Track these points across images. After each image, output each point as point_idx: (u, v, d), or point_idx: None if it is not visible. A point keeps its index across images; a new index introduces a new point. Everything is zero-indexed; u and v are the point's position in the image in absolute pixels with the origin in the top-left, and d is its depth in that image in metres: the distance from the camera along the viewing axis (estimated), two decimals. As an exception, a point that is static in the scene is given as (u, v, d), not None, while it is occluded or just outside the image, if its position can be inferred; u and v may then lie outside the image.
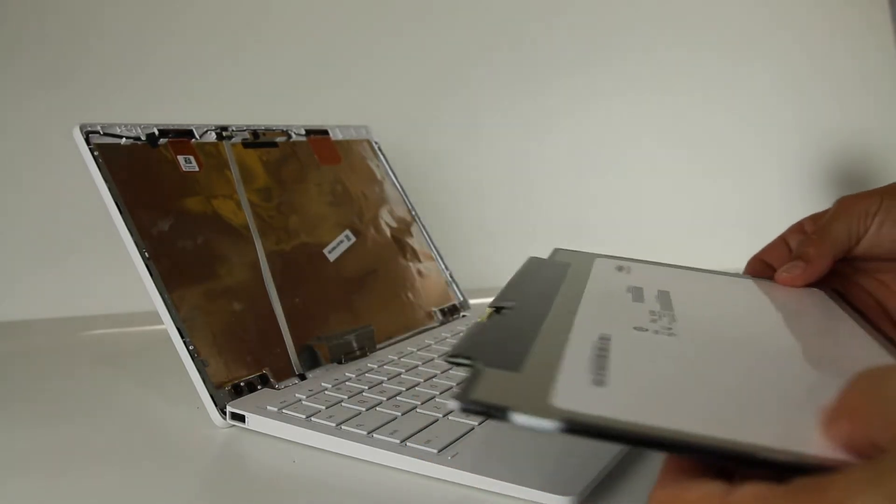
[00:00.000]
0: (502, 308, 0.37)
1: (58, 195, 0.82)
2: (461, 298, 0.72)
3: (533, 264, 0.47)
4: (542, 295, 0.41)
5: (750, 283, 0.49)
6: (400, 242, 0.69)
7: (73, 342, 0.72)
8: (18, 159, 0.83)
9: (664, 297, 0.43)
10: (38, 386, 0.59)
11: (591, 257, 0.51)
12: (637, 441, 0.25)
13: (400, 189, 0.72)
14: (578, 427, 0.26)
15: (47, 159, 0.82)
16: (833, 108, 0.98)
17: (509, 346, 0.32)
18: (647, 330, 0.36)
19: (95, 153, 0.49)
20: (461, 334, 0.30)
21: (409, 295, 0.67)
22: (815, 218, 0.50)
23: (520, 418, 0.26)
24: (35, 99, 0.83)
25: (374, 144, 0.72)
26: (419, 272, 0.70)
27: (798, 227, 0.51)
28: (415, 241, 0.71)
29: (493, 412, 0.27)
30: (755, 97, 0.98)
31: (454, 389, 0.50)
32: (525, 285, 0.43)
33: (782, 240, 0.51)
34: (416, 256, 0.70)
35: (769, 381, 0.32)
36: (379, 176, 0.71)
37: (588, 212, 0.95)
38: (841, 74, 0.98)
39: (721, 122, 0.98)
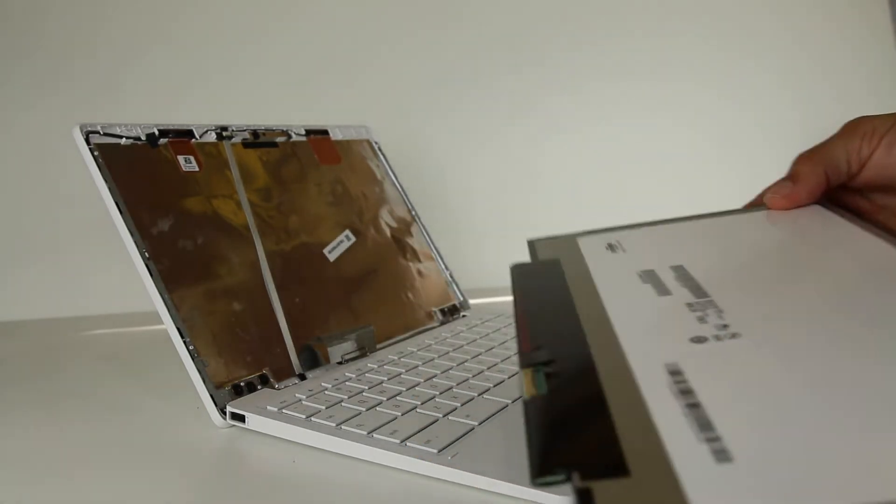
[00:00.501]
0: (542, 366, 0.31)
1: (58, 195, 0.82)
2: (461, 298, 0.72)
3: (524, 273, 0.42)
4: (566, 325, 0.34)
5: (747, 220, 0.44)
6: (400, 242, 0.69)
7: (73, 342, 0.72)
8: (18, 159, 0.83)
9: (685, 277, 0.37)
10: (37, 386, 0.59)
11: (572, 242, 0.45)
12: None
13: (400, 189, 0.72)
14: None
15: (47, 159, 0.82)
16: (834, 107, 0.98)
17: (593, 435, 0.26)
18: (706, 339, 0.30)
19: (95, 153, 0.49)
20: (529, 439, 0.27)
21: (409, 295, 0.67)
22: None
23: None
24: (35, 99, 0.83)
25: (374, 144, 0.72)
26: (419, 272, 0.70)
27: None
28: (415, 241, 0.71)
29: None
30: (755, 97, 0.98)
31: None
32: (540, 316, 0.36)
33: None
34: (416, 256, 0.70)
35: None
36: (379, 176, 0.71)
37: (588, 211, 0.95)
38: (842, 73, 0.98)
39: (722, 121, 0.98)
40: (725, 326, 0.31)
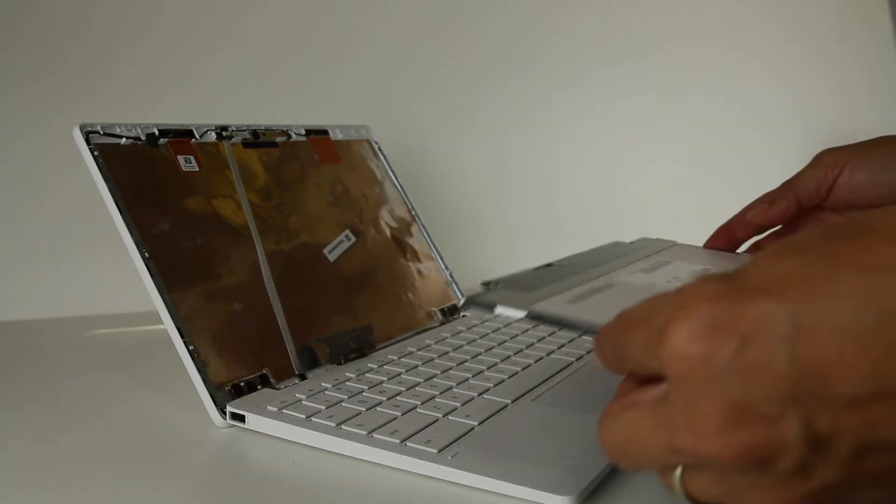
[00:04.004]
0: (551, 265, 0.48)
1: (57, 195, 0.82)
2: (461, 298, 0.72)
3: None
4: (588, 264, 0.49)
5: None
6: (400, 242, 0.69)
7: (73, 342, 0.72)
8: (18, 159, 0.83)
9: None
10: (37, 386, 0.59)
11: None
12: (564, 325, 0.37)
13: (400, 189, 0.72)
14: (539, 317, 0.37)
15: (47, 159, 0.82)
16: (834, 107, 0.98)
17: (531, 282, 0.43)
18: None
19: (95, 153, 0.49)
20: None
21: (409, 295, 0.67)
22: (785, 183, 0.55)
23: (499, 309, 0.37)
24: (35, 99, 0.83)
25: (374, 144, 0.72)
26: (419, 272, 0.70)
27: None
28: (415, 241, 0.71)
29: (485, 305, 0.38)
30: (756, 100, 0.98)
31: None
32: (579, 257, 0.52)
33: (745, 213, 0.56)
34: (416, 256, 0.70)
35: None
36: (379, 176, 0.71)
37: (588, 211, 0.95)
38: (842, 74, 0.98)
39: (722, 121, 0.98)
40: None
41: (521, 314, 0.38)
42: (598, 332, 0.28)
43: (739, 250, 0.57)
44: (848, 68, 0.99)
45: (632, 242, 0.60)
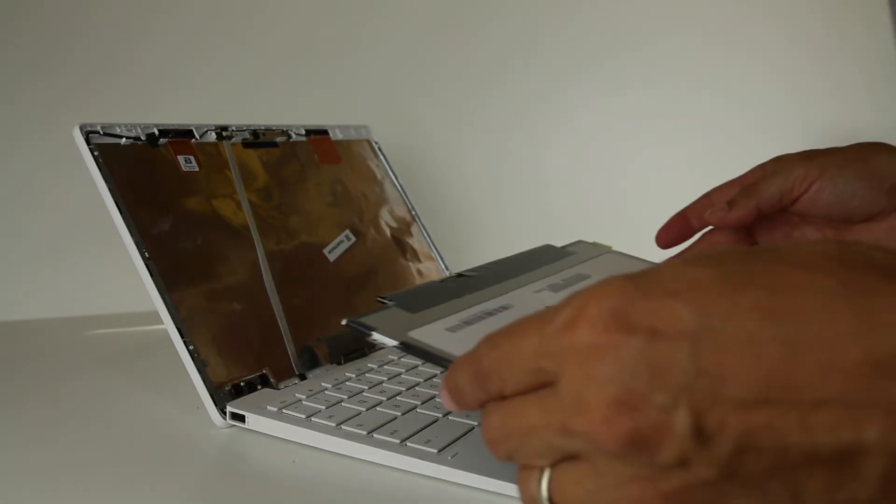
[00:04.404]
0: (462, 275, 0.47)
1: (57, 195, 0.82)
2: (461, 298, 0.72)
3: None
4: (501, 275, 0.48)
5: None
6: (400, 242, 0.69)
7: (73, 342, 0.72)
8: (18, 159, 0.83)
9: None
10: (37, 386, 0.59)
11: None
12: (432, 360, 0.36)
13: (400, 189, 0.72)
14: (407, 348, 0.36)
15: (47, 159, 0.82)
16: (834, 108, 0.98)
17: (427, 299, 0.42)
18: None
19: (95, 153, 0.49)
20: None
21: (409, 295, 0.67)
22: (745, 178, 0.53)
23: (375, 335, 0.37)
24: (35, 99, 0.83)
25: (374, 144, 0.72)
26: (419, 272, 0.70)
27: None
28: (415, 241, 0.71)
29: (363, 329, 0.37)
30: (756, 99, 0.98)
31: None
32: (500, 265, 0.51)
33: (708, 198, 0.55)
34: (416, 256, 0.70)
35: None
36: (379, 176, 0.71)
37: (588, 211, 0.95)
38: (842, 74, 0.98)
39: (724, 121, 0.98)
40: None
41: (393, 342, 0.37)
42: (455, 362, 0.28)
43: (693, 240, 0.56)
44: (848, 69, 0.99)
45: (565, 247, 0.59)
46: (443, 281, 0.47)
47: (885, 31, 0.98)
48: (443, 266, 0.72)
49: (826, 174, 0.47)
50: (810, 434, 0.20)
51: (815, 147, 0.52)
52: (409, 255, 0.69)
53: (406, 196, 0.73)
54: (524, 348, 0.25)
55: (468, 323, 0.40)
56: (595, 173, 0.96)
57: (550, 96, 0.95)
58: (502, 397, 0.27)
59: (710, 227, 0.54)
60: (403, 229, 0.71)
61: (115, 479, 0.41)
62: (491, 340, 0.27)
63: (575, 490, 0.25)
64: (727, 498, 0.22)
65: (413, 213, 0.72)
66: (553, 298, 0.47)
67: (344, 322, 0.38)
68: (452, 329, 0.39)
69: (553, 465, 0.26)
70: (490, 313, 0.43)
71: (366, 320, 0.38)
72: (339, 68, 0.90)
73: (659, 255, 0.55)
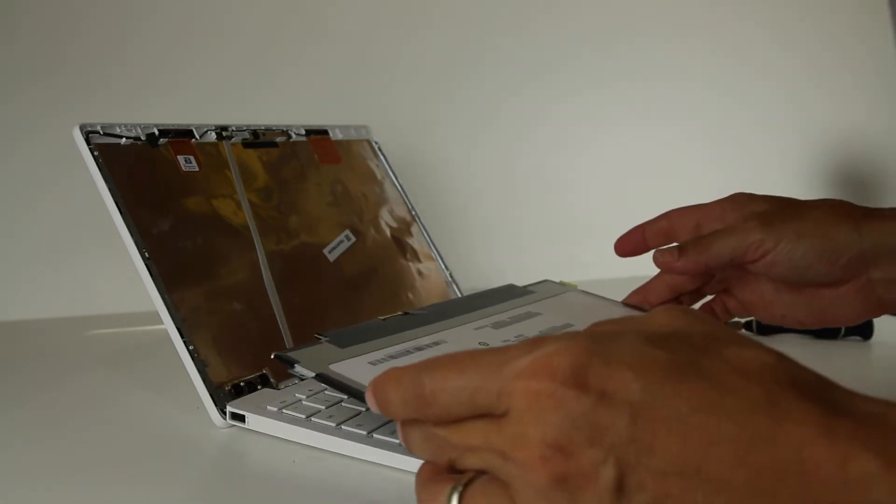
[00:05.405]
0: (408, 313, 0.51)
1: (57, 195, 0.82)
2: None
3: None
4: (448, 313, 0.50)
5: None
6: (400, 242, 0.69)
7: (73, 342, 0.72)
8: (18, 159, 0.83)
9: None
10: (37, 386, 0.59)
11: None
12: (347, 392, 0.39)
13: (400, 189, 0.72)
14: (324, 379, 0.39)
15: (47, 159, 0.82)
16: (834, 108, 0.99)
17: (362, 335, 0.45)
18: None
19: (95, 153, 0.49)
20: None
21: (409, 295, 0.67)
22: (705, 212, 0.51)
23: (297, 368, 0.40)
24: (35, 99, 0.83)
25: (374, 144, 0.72)
26: (419, 272, 0.70)
27: (688, 215, 0.52)
28: (415, 241, 0.71)
29: (286, 362, 0.41)
30: (757, 97, 0.98)
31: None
32: (452, 304, 0.54)
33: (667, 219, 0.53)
34: (416, 256, 0.70)
35: None
36: (379, 176, 0.71)
37: (588, 211, 0.95)
38: (842, 74, 0.99)
39: (721, 122, 0.98)
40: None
41: (311, 374, 0.40)
42: (389, 375, 0.30)
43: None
44: (848, 69, 0.99)
45: (528, 286, 0.59)
46: (385, 319, 0.50)
47: (884, 31, 0.98)
48: (443, 266, 0.72)
49: (782, 245, 0.45)
50: None
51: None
52: (409, 255, 0.70)
53: (406, 196, 0.73)
54: (478, 385, 0.27)
55: (394, 357, 0.42)
56: (595, 173, 0.96)
57: (553, 97, 0.95)
58: (435, 423, 0.29)
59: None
60: (403, 229, 0.71)
61: (116, 478, 0.41)
62: (438, 373, 0.28)
63: None
64: None
65: (413, 213, 0.72)
66: (493, 335, 0.48)
67: (272, 356, 0.43)
68: (375, 362, 0.41)
69: (468, 483, 0.28)
70: (420, 348, 0.44)
71: (291, 354, 0.41)
72: (339, 68, 0.90)
73: (627, 288, 0.54)
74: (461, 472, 0.29)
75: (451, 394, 0.28)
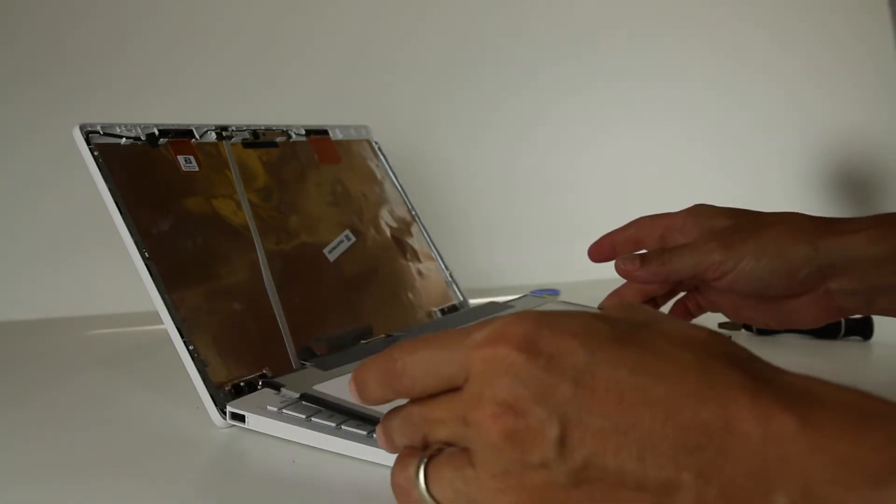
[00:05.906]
0: (390, 335, 0.56)
1: (57, 195, 0.82)
2: (461, 298, 0.72)
3: None
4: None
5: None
6: (400, 242, 0.69)
7: (73, 342, 0.72)
8: (18, 159, 0.83)
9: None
10: (37, 386, 0.59)
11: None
12: (330, 407, 0.43)
13: (400, 189, 0.72)
14: (308, 398, 0.43)
15: (47, 159, 0.82)
16: (834, 108, 0.99)
17: (345, 359, 0.50)
18: None
19: (95, 153, 0.49)
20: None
21: (409, 295, 0.67)
22: (668, 223, 0.52)
23: (283, 391, 0.44)
24: (35, 99, 0.83)
25: (374, 144, 0.72)
26: (419, 272, 0.70)
27: (659, 225, 0.53)
28: (415, 241, 0.71)
29: (273, 387, 0.45)
30: (757, 97, 0.98)
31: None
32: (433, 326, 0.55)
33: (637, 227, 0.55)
34: (416, 256, 0.70)
35: None
36: (379, 176, 0.71)
37: (588, 211, 0.95)
38: (842, 74, 0.99)
39: (721, 122, 0.98)
40: None
41: (296, 395, 0.43)
42: (366, 361, 0.32)
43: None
44: (848, 69, 0.99)
45: (510, 300, 0.60)
46: (367, 342, 0.55)
47: (884, 32, 0.98)
48: (443, 266, 0.72)
49: (741, 265, 0.47)
50: (643, 465, 0.26)
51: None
52: (409, 255, 0.70)
53: (406, 196, 0.73)
54: (442, 356, 0.30)
55: None
56: (595, 173, 0.96)
57: (553, 97, 0.95)
58: (408, 397, 0.31)
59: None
60: (403, 229, 0.71)
61: (116, 478, 0.42)
62: (406, 347, 0.31)
63: (452, 475, 0.29)
64: (573, 502, 0.27)
65: (413, 213, 0.72)
66: None
67: (259, 384, 0.48)
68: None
69: (432, 456, 0.30)
70: None
71: (278, 379, 0.46)
72: (339, 68, 0.90)
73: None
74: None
75: (419, 366, 0.30)
